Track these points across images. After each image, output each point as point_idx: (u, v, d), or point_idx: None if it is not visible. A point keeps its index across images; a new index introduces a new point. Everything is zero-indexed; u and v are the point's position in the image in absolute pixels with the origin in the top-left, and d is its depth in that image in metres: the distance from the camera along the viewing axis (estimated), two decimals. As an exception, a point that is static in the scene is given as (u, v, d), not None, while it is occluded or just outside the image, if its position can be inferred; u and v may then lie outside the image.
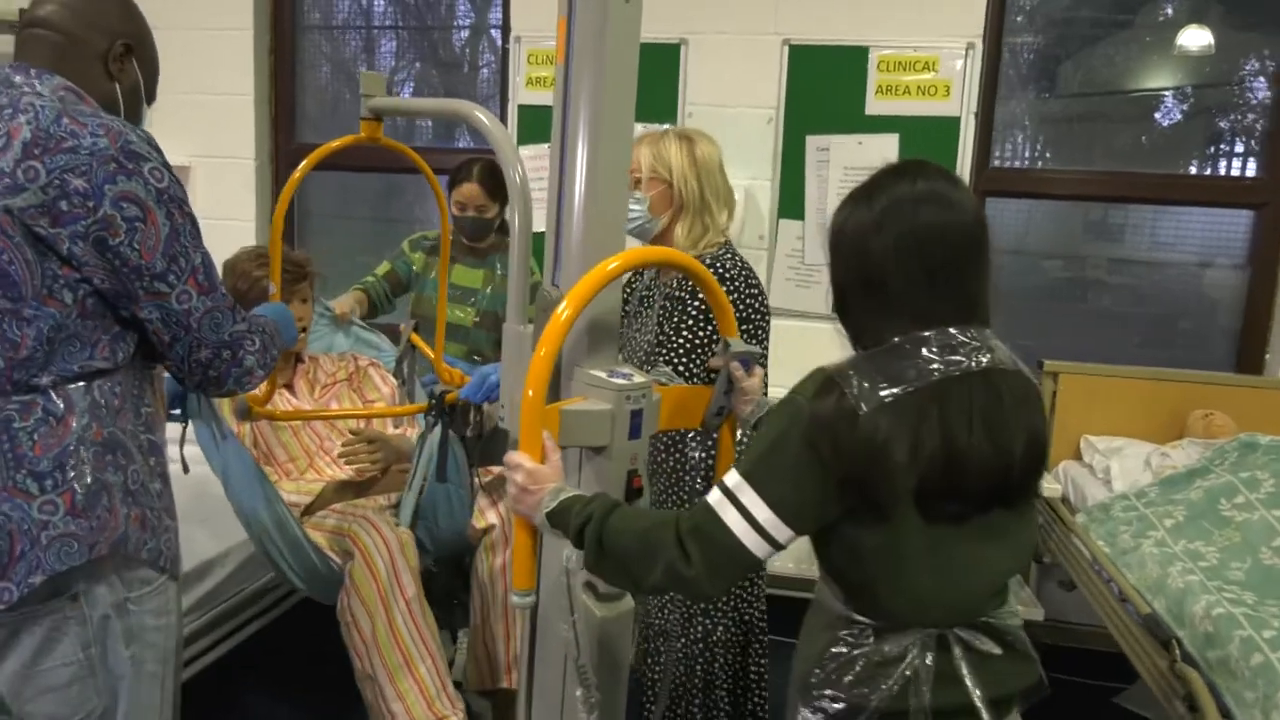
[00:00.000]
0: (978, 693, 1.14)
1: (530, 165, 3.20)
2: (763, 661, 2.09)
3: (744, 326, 1.89)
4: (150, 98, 1.44)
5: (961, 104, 2.97)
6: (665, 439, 1.98)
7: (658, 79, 3.16)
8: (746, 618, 2.05)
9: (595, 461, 1.34)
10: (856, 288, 1.18)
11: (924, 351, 1.12)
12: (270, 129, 3.66)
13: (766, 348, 2.01)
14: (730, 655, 2.04)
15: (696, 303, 1.88)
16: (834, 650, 1.19)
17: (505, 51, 3.38)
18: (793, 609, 2.66)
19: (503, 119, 3.39)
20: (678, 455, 1.97)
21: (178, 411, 1.79)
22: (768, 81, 3.11)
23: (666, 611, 2.01)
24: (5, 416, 1.22)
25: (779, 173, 3.15)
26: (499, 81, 3.49)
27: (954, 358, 1.12)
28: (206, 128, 3.57)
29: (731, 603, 2.02)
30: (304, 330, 2.46)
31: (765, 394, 1.63)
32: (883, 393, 1.09)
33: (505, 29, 3.39)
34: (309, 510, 2.30)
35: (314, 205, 3.85)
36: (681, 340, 1.88)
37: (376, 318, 2.94)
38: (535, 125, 3.27)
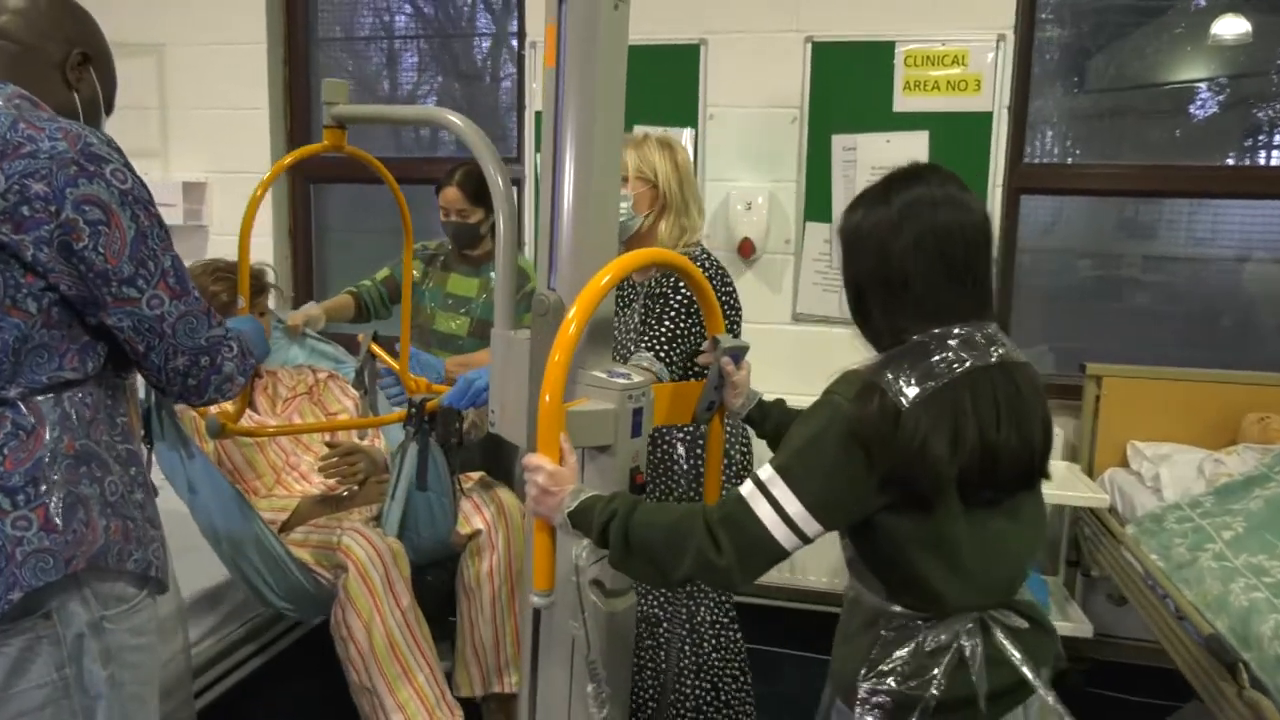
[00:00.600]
0: (1025, 667, 1.18)
1: (547, 171, 3.19)
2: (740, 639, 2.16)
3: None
4: (109, 108, 1.42)
5: (993, 98, 2.87)
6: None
7: (677, 81, 3.09)
8: (724, 599, 2.12)
9: (599, 460, 1.35)
10: (876, 287, 1.21)
11: (948, 344, 1.15)
12: (286, 142, 3.62)
13: None
14: (720, 636, 2.09)
15: (680, 297, 1.97)
16: (880, 647, 1.21)
17: (522, 58, 3.32)
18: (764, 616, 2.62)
19: (520, 127, 3.33)
20: (664, 448, 2.05)
21: (142, 433, 1.73)
22: (790, 80, 3.02)
23: (651, 597, 2.07)
24: None
25: (804, 174, 3.06)
26: (517, 90, 3.43)
27: (974, 352, 1.16)
28: (221, 142, 3.55)
29: None
30: None
31: None
32: (919, 388, 1.12)
33: (521, 35, 3.34)
34: (286, 527, 2.26)
35: (331, 219, 3.82)
36: (664, 329, 1.95)
37: (369, 321, 2.88)
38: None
